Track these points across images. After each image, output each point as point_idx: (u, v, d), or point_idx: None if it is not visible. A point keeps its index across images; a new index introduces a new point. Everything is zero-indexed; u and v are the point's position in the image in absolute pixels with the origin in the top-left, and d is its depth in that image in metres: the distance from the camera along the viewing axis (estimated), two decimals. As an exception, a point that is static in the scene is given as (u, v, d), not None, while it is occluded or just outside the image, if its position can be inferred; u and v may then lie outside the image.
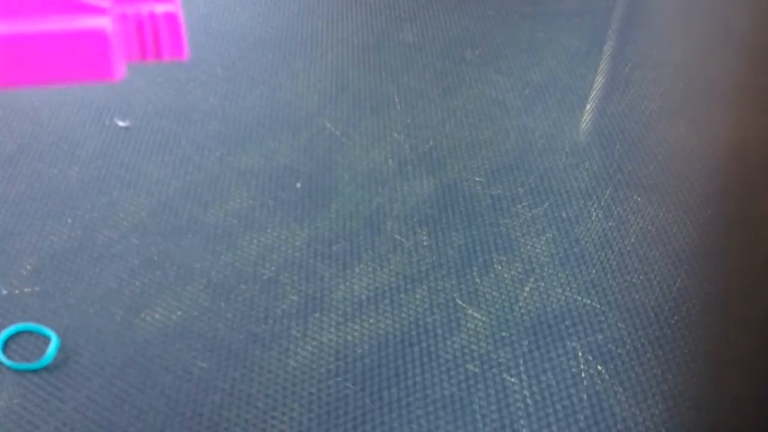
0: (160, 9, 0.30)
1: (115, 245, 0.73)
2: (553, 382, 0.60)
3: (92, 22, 0.27)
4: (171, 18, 0.31)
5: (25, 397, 0.60)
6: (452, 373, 0.60)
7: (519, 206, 0.77)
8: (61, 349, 0.63)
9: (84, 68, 0.28)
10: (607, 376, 0.60)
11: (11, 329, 0.65)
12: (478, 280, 0.68)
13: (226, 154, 0.84)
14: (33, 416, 0.59)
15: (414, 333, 0.64)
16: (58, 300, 0.68)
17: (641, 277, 0.68)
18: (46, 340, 0.64)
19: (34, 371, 0.62)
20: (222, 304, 0.67)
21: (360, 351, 0.62)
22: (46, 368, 0.62)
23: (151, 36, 0.30)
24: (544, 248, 0.72)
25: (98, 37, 0.27)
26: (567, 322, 0.64)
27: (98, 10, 0.28)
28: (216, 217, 0.76)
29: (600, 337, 0.63)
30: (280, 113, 0.90)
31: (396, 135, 0.87)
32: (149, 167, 0.82)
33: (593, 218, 0.75)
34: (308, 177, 0.81)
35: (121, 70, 0.29)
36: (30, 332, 0.65)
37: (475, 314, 0.65)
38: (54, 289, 0.69)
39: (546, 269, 0.69)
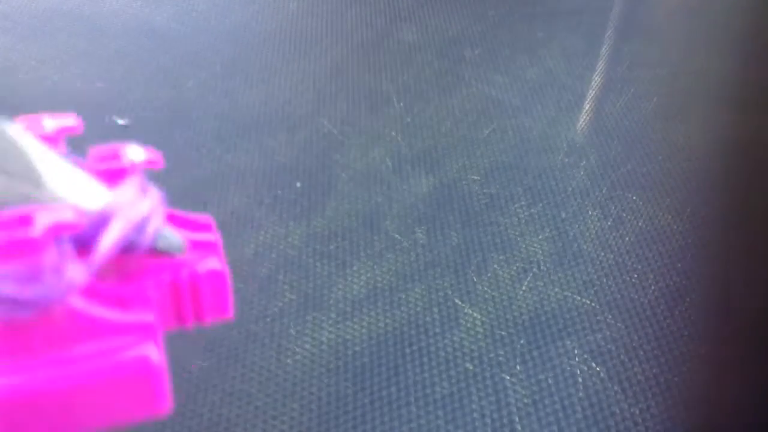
0: (202, 268, 0.24)
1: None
2: (551, 381, 0.60)
3: (134, 354, 0.20)
4: (215, 277, 0.24)
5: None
6: (452, 372, 0.61)
7: (516, 205, 0.77)
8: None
9: (125, 409, 0.21)
10: (604, 376, 0.60)
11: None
12: (475, 278, 0.69)
13: (224, 153, 0.84)
14: None
15: (413, 332, 0.64)
16: (57, 299, 0.68)
17: (638, 276, 0.69)
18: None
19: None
20: (221, 302, 0.67)
21: (358, 349, 0.63)
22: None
23: (191, 302, 0.24)
24: (540, 247, 0.72)
25: (143, 374, 0.20)
26: (564, 321, 0.65)
27: (139, 329, 0.21)
28: (213, 216, 0.76)
29: (597, 336, 0.63)
30: (278, 112, 0.90)
31: (394, 134, 0.87)
32: (147, 166, 0.82)
33: (590, 217, 0.76)
34: (306, 176, 0.81)
35: (170, 400, 0.22)
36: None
37: (471, 313, 0.66)
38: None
39: (543, 268, 0.70)
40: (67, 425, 0.20)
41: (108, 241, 0.20)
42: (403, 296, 0.67)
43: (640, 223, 0.74)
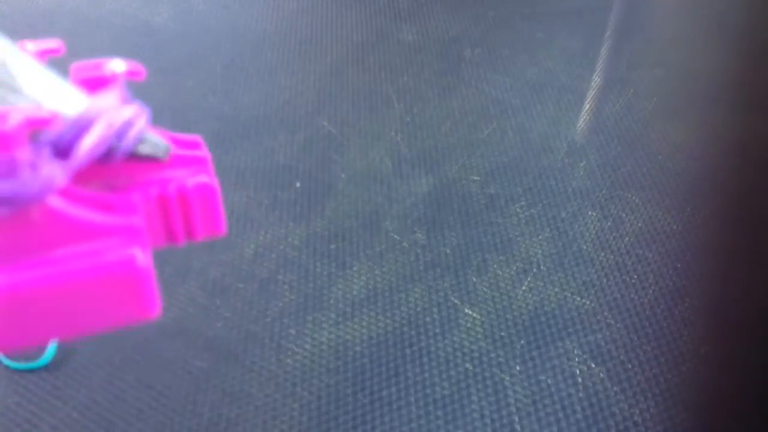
0: (191, 182, 0.24)
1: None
2: (551, 382, 0.60)
3: (118, 256, 0.19)
4: (205, 190, 0.24)
5: (23, 397, 0.60)
6: (451, 372, 0.61)
7: (515, 206, 0.77)
8: (60, 348, 0.64)
9: (112, 312, 0.20)
10: (603, 376, 0.60)
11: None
12: (474, 279, 0.69)
13: (224, 154, 0.84)
14: (32, 415, 0.59)
15: (413, 332, 0.64)
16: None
17: (638, 276, 0.69)
18: (45, 339, 0.64)
19: (33, 370, 0.62)
20: (219, 302, 0.67)
21: (358, 350, 0.63)
22: (45, 367, 0.62)
23: (181, 217, 0.24)
24: (540, 248, 0.72)
25: (129, 275, 0.20)
26: (564, 322, 0.65)
27: (125, 231, 0.20)
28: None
29: (597, 336, 0.63)
30: (278, 112, 0.90)
31: (394, 134, 0.87)
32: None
33: (590, 218, 0.76)
34: (306, 176, 0.81)
35: (158, 304, 0.21)
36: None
37: (471, 313, 0.66)
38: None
39: (542, 268, 0.70)
40: (53, 329, 0.19)
41: (88, 142, 0.19)
42: (403, 297, 0.67)
43: (639, 224, 0.74)
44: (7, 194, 0.17)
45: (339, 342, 0.63)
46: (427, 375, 0.61)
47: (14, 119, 0.17)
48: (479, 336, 0.64)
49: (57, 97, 0.20)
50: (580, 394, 0.59)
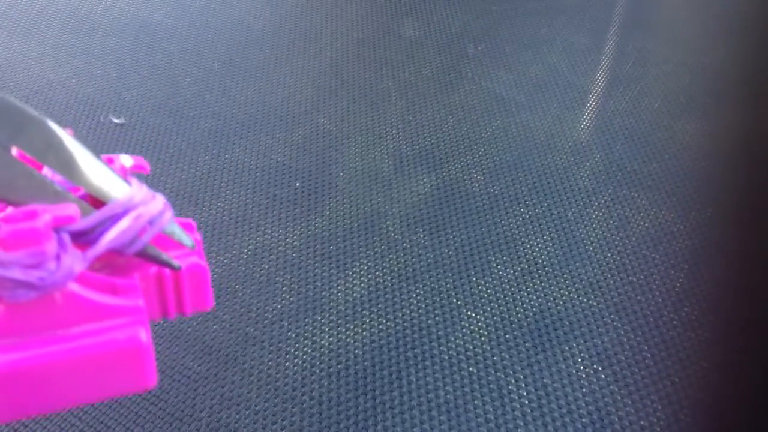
0: (185, 264, 0.27)
1: (108, 245, 0.72)
2: (558, 386, 0.59)
3: (125, 334, 0.23)
4: (197, 271, 0.27)
5: (17, 401, 0.59)
6: (455, 376, 0.60)
7: (519, 205, 0.76)
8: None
9: (115, 383, 0.23)
10: (610, 380, 0.59)
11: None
12: (476, 280, 0.68)
13: (222, 152, 0.83)
14: (29, 420, 0.58)
15: (415, 335, 0.63)
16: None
17: (642, 279, 0.68)
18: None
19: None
20: (216, 305, 0.66)
21: (359, 353, 0.62)
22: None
23: (174, 295, 0.27)
24: (544, 248, 0.71)
25: (134, 351, 0.23)
26: (570, 324, 0.64)
27: (130, 312, 0.24)
28: (210, 216, 0.74)
29: (603, 338, 0.62)
30: (276, 110, 0.89)
31: (395, 132, 0.85)
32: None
33: (594, 218, 0.74)
34: (304, 175, 0.80)
35: (156, 377, 0.24)
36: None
37: (474, 315, 0.64)
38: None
39: (547, 269, 0.69)
40: (65, 397, 0.22)
41: (111, 235, 0.23)
42: (405, 298, 0.66)
43: (645, 224, 0.73)
44: (36, 282, 0.21)
45: (339, 345, 0.62)
46: (429, 379, 0.59)
47: (44, 218, 0.21)
48: (483, 338, 0.62)
49: (103, 180, 0.24)
50: (587, 398, 0.58)
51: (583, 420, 0.56)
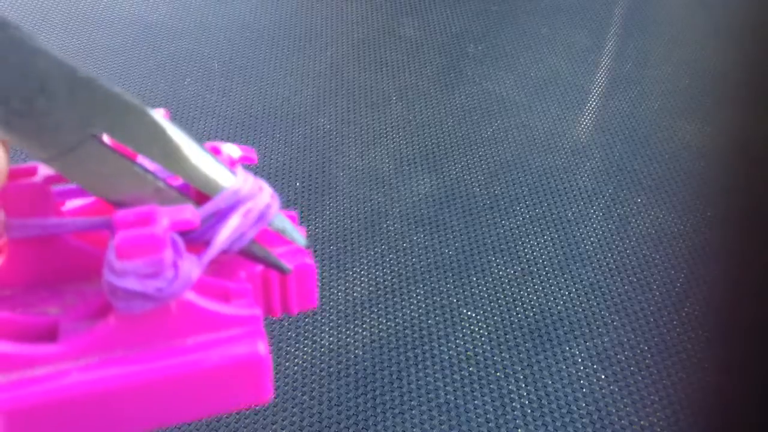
0: (293, 263, 0.25)
1: (109, 245, 0.72)
2: (558, 386, 0.59)
3: (245, 348, 0.21)
4: (306, 270, 0.25)
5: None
6: (455, 376, 0.60)
7: (519, 206, 0.76)
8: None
9: (229, 398, 0.22)
10: (611, 380, 0.59)
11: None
12: (476, 280, 0.68)
13: (222, 152, 0.83)
14: None
15: (415, 335, 0.63)
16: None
17: (642, 279, 0.68)
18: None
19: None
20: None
21: (359, 353, 0.62)
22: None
23: (280, 295, 0.25)
24: (544, 249, 0.71)
25: (254, 365, 0.21)
26: (570, 324, 0.64)
27: (247, 322, 0.22)
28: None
29: (604, 339, 0.62)
30: (276, 110, 0.89)
31: (394, 133, 0.85)
32: (144, 165, 0.81)
33: (594, 218, 0.74)
34: (305, 175, 0.80)
35: (272, 390, 0.22)
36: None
37: (474, 316, 0.64)
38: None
39: (547, 270, 0.69)
40: (181, 412, 0.21)
41: (224, 236, 0.21)
42: (405, 299, 0.66)
43: (645, 225, 0.73)
44: (153, 293, 0.19)
45: (339, 345, 0.62)
46: (430, 379, 0.59)
47: (162, 222, 0.19)
48: (483, 339, 0.62)
49: (207, 171, 0.22)
50: (587, 399, 0.58)
51: (583, 420, 0.56)
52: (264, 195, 0.23)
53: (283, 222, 0.24)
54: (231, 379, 0.21)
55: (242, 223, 0.22)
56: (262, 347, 0.21)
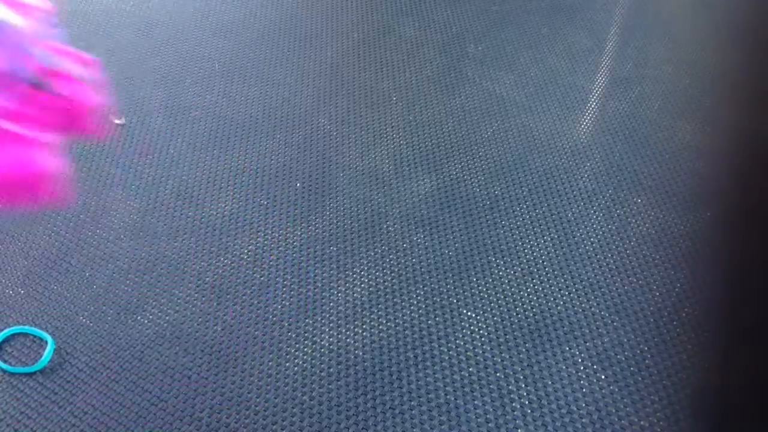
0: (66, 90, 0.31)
1: (108, 246, 0.72)
2: (558, 387, 0.59)
3: (38, 156, 0.28)
4: (75, 93, 0.31)
5: (20, 401, 0.59)
6: (455, 377, 0.60)
7: (519, 206, 0.76)
8: (57, 352, 0.62)
9: (29, 198, 0.28)
10: (611, 380, 0.59)
11: (6, 332, 0.64)
12: (476, 281, 0.68)
13: (222, 153, 0.83)
14: (29, 420, 0.58)
15: (415, 336, 0.63)
16: (52, 302, 0.67)
17: (642, 280, 0.68)
18: (42, 343, 0.63)
19: (30, 374, 0.61)
20: (218, 306, 0.66)
21: (359, 354, 0.62)
22: (42, 371, 0.61)
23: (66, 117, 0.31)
24: (544, 249, 0.71)
25: (45, 171, 0.28)
26: (570, 325, 0.64)
27: (37, 141, 0.28)
28: (211, 218, 0.75)
29: (604, 340, 0.62)
30: (276, 111, 0.89)
31: (394, 133, 0.85)
32: (143, 166, 0.81)
33: (594, 219, 0.74)
34: (305, 176, 0.80)
35: (71, 195, 0.28)
36: (25, 335, 0.64)
37: (474, 316, 0.64)
38: (47, 291, 0.68)
39: (546, 271, 0.69)
40: None
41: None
42: (405, 300, 0.66)
43: (645, 226, 0.73)
44: None
45: (340, 346, 0.62)
46: (430, 380, 0.60)
47: None
48: (483, 340, 0.63)
49: None
50: (587, 399, 0.58)
51: (583, 420, 0.56)
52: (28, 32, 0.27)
53: (50, 58, 0.29)
54: (31, 181, 0.27)
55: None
56: (50, 158, 0.27)
